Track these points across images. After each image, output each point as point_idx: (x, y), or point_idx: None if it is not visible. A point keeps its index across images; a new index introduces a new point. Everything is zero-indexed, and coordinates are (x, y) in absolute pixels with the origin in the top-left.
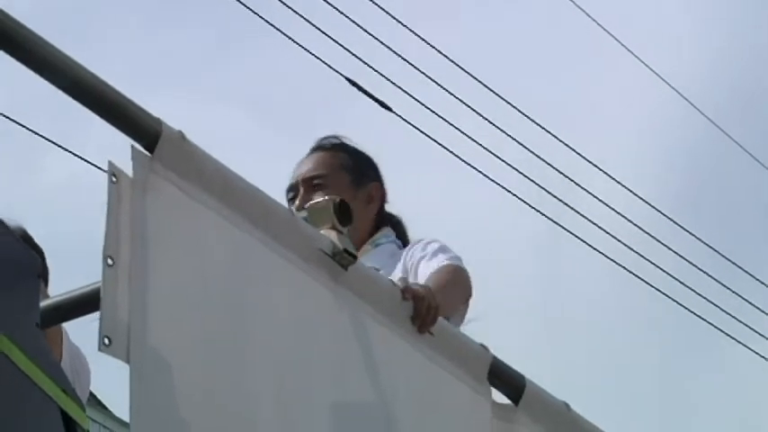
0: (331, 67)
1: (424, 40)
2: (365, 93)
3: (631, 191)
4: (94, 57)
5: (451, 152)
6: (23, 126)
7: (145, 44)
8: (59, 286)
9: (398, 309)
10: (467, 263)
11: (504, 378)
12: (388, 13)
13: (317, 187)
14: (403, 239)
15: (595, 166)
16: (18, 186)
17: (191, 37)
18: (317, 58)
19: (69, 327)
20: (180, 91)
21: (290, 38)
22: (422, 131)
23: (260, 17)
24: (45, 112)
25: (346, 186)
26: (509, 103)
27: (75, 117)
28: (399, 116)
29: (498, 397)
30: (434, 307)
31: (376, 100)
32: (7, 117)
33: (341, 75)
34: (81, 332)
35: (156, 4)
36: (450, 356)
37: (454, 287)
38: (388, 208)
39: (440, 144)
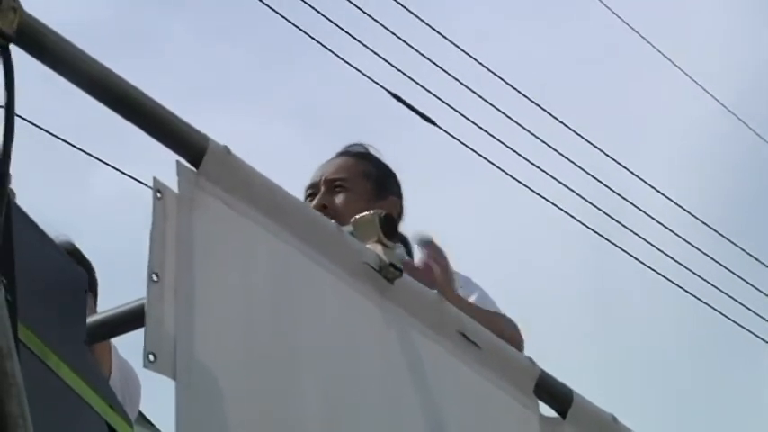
0: (374, 82)
1: (467, 53)
2: (408, 106)
3: (676, 203)
4: (146, 70)
5: (495, 165)
6: (71, 144)
7: (188, 59)
8: (109, 301)
9: (445, 322)
10: (512, 275)
11: (552, 391)
12: (431, 26)
13: (337, 189)
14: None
15: (639, 178)
16: (67, 203)
17: (236, 52)
18: (361, 72)
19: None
20: (225, 105)
21: (333, 52)
22: (465, 145)
23: (304, 32)
24: (94, 127)
25: (366, 194)
26: (552, 115)
27: (124, 132)
28: (443, 129)
29: (546, 410)
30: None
31: (419, 113)
32: (56, 135)
33: (384, 89)
34: (130, 347)
35: (199, 20)
36: (497, 370)
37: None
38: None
39: (483, 157)
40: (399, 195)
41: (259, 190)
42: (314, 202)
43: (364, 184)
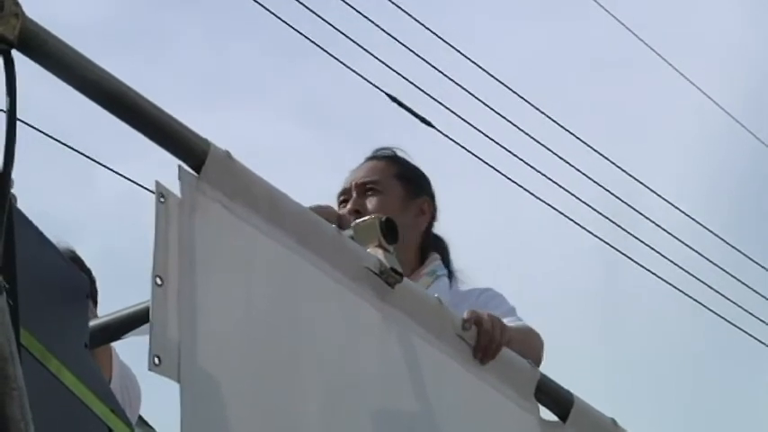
0: (374, 85)
1: (465, 56)
2: (407, 109)
3: (679, 208)
4: (150, 68)
5: (494, 168)
6: (73, 149)
7: (193, 58)
8: (112, 300)
9: (445, 327)
10: (514, 280)
11: (552, 395)
12: (430, 29)
13: (369, 192)
14: (447, 265)
15: (643, 184)
16: (70, 206)
17: (237, 54)
18: (361, 75)
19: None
20: (227, 105)
21: (333, 56)
22: (464, 147)
23: (304, 36)
24: (97, 126)
25: (399, 195)
26: (553, 120)
27: (126, 131)
28: (441, 132)
29: (546, 414)
30: (497, 343)
31: (417, 116)
32: (58, 140)
33: (383, 92)
34: (130, 351)
35: (202, 22)
36: (497, 374)
37: (531, 349)
38: (436, 228)
39: (482, 160)
40: (432, 196)
41: (260, 194)
42: (347, 207)
43: (396, 185)
